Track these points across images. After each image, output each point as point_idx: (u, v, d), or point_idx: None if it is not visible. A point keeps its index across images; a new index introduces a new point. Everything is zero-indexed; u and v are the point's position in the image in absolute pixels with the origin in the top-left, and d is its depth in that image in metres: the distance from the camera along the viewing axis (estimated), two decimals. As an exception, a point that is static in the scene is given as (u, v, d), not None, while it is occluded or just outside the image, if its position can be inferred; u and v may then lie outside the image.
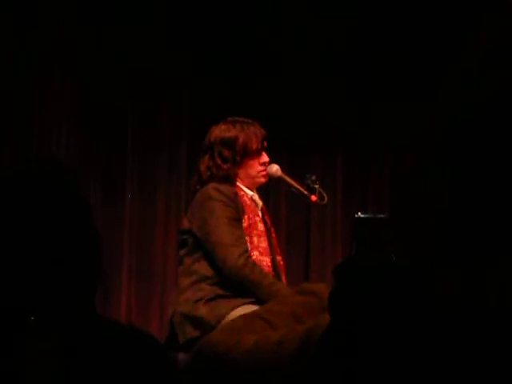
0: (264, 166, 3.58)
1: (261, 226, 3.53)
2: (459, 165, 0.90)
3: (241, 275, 3.31)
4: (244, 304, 3.28)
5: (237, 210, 3.43)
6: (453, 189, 0.90)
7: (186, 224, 3.49)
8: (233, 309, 3.26)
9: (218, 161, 3.50)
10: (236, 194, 3.47)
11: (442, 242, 0.91)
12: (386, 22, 5.61)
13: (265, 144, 3.59)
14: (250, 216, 3.50)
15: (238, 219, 3.43)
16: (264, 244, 3.51)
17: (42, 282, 1.35)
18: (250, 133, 3.54)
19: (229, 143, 3.51)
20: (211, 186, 3.45)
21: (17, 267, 1.34)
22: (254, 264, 3.37)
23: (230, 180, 3.51)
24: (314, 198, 3.68)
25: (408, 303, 0.91)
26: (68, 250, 1.39)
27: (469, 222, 0.89)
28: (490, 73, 0.91)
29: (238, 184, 3.55)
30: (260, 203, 3.61)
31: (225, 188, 3.45)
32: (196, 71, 5.54)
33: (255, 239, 3.48)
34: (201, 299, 3.34)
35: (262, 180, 3.60)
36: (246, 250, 3.38)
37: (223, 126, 3.56)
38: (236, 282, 3.33)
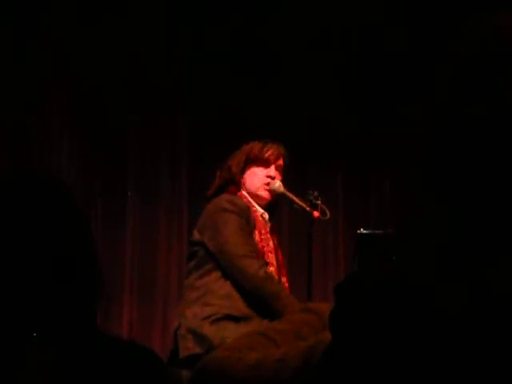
0: (269, 179, 3.60)
1: (271, 244, 3.55)
2: (454, 169, 0.91)
3: (262, 287, 3.31)
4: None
5: (248, 223, 3.45)
6: (449, 194, 0.91)
7: (196, 235, 3.49)
8: (237, 334, 3.22)
9: (232, 167, 3.55)
10: (249, 208, 3.48)
11: (441, 246, 0.91)
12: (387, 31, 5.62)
13: (280, 162, 3.63)
14: (262, 232, 3.51)
15: (250, 233, 3.45)
16: (275, 262, 3.53)
17: (41, 297, 1.35)
18: (267, 145, 3.60)
19: (244, 151, 3.58)
20: (225, 197, 3.47)
21: (16, 281, 1.34)
22: (273, 276, 3.39)
23: (235, 183, 3.54)
24: (316, 213, 3.69)
25: (409, 319, 0.91)
26: (68, 264, 1.38)
27: (467, 224, 0.90)
28: (485, 87, 0.92)
29: (246, 195, 3.56)
30: (269, 224, 3.63)
31: (238, 201, 3.47)
32: (196, 82, 5.54)
33: (269, 255, 3.50)
34: (209, 317, 3.32)
35: (265, 194, 3.60)
36: (264, 263, 3.40)
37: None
38: (253, 293, 3.32)
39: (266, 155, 3.59)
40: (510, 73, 0.91)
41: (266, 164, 3.60)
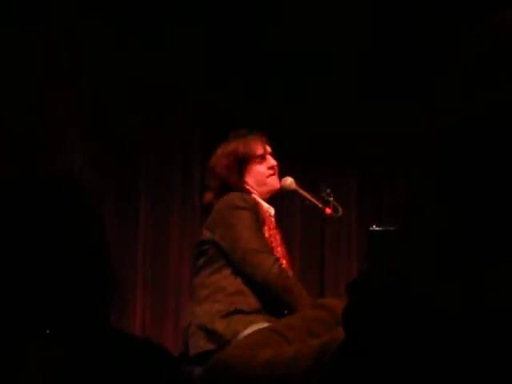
0: (272, 170, 3.59)
1: (278, 239, 3.55)
2: (455, 170, 0.91)
3: (276, 282, 3.30)
4: (260, 321, 3.26)
5: (258, 219, 3.45)
6: (450, 194, 0.91)
7: (206, 234, 3.48)
8: (248, 325, 3.24)
9: (224, 174, 3.52)
10: (257, 204, 3.48)
11: (441, 246, 0.91)
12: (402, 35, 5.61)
13: (269, 149, 3.61)
14: (271, 227, 3.51)
15: (260, 228, 3.44)
16: (281, 255, 3.53)
17: (55, 296, 1.35)
18: (250, 140, 3.57)
19: (231, 155, 3.54)
20: (235, 195, 3.45)
21: (30, 281, 1.35)
22: (287, 271, 3.38)
23: (239, 190, 3.53)
24: (328, 210, 3.68)
25: (411, 319, 0.91)
26: (81, 263, 1.39)
27: (467, 224, 0.89)
28: (485, 86, 0.91)
29: (254, 196, 3.55)
30: (273, 219, 3.62)
31: (248, 197, 3.46)
32: (208, 83, 5.55)
33: (278, 249, 3.50)
34: (218, 313, 3.32)
35: (272, 186, 3.59)
36: (278, 258, 3.40)
37: (224, 144, 3.61)
38: (265, 288, 3.32)
39: (257, 152, 3.58)
40: (510, 73, 0.91)
41: (260, 159, 3.59)
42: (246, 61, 5.59)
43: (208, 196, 3.59)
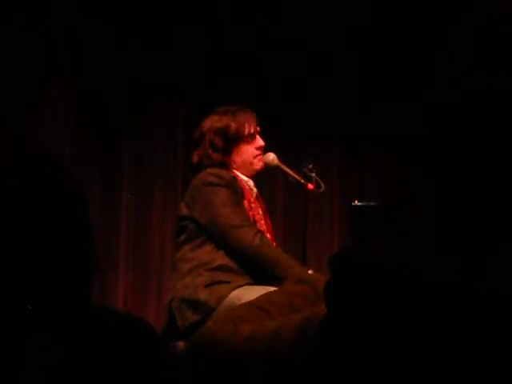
0: (260, 151, 3.58)
1: (260, 211, 3.55)
2: (455, 158, 0.90)
3: (259, 254, 3.30)
4: (244, 285, 3.28)
5: (236, 193, 3.44)
6: (449, 180, 0.90)
7: (184, 210, 3.48)
8: (233, 289, 3.26)
9: (210, 150, 3.51)
10: (235, 178, 3.47)
11: (441, 232, 0.91)
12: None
13: (258, 128, 3.60)
14: (251, 200, 3.51)
15: (239, 202, 3.44)
16: (265, 228, 3.54)
17: (37, 274, 1.35)
18: (241, 119, 3.55)
19: (221, 132, 3.52)
20: (209, 171, 3.44)
21: (11, 260, 1.34)
22: (269, 242, 3.39)
23: (225, 167, 3.51)
24: (310, 186, 3.68)
25: (403, 294, 0.91)
26: (61, 240, 1.38)
27: (467, 211, 0.89)
28: (474, 74, 0.91)
29: (234, 171, 3.55)
30: (255, 190, 3.62)
31: (223, 173, 3.45)
32: (208, 83, 5.52)
33: (261, 222, 3.51)
34: (200, 284, 3.33)
35: (258, 167, 3.59)
36: (258, 230, 3.39)
37: (214, 117, 3.57)
38: (252, 262, 3.32)
39: (247, 131, 3.55)
40: (510, 71, 0.90)
41: (250, 138, 3.57)
42: (245, 61, 5.57)
43: (188, 171, 3.58)
